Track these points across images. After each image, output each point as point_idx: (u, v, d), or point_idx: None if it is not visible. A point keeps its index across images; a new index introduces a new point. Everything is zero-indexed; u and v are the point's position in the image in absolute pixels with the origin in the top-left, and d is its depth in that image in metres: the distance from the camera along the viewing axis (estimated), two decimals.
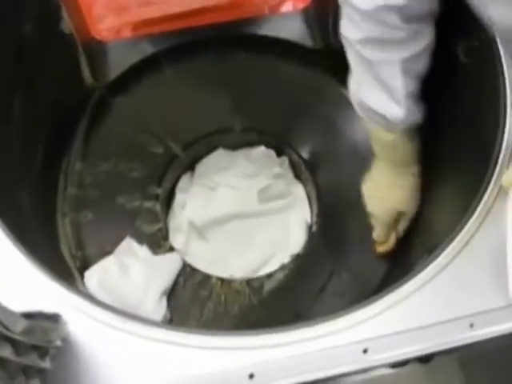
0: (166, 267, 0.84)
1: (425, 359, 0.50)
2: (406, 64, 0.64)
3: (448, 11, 0.63)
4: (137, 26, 1.01)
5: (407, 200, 0.78)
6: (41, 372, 0.40)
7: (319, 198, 0.93)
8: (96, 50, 0.91)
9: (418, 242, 0.78)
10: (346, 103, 0.92)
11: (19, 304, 0.43)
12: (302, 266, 0.87)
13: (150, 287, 0.78)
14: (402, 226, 0.81)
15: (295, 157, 0.97)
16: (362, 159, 0.83)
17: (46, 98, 0.77)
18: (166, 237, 0.89)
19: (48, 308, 0.45)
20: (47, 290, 0.48)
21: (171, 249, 0.88)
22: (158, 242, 0.87)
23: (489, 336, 0.48)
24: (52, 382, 0.42)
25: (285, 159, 0.99)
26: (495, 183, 0.54)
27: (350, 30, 0.65)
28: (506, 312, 0.49)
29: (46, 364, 0.40)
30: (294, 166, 0.99)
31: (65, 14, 0.76)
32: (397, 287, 0.50)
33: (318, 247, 0.89)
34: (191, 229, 0.94)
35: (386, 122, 0.70)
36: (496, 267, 0.50)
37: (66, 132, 0.86)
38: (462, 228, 0.52)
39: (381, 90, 0.67)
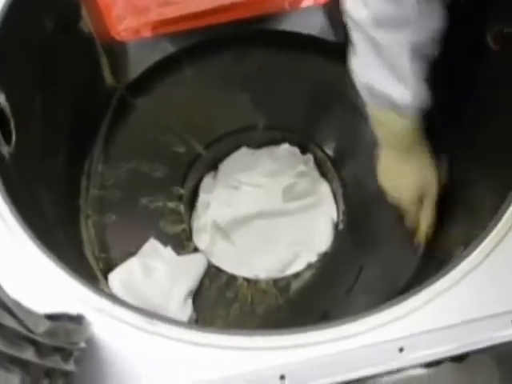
0: (190, 268, 0.83)
1: (459, 358, 0.48)
2: (414, 47, 0.63)
3: None
4: (156, 25, 1.00)
5: (423, 181, 0.76)
6: (65, 375, 0.39)
7: (345, 196, 0.91)
8: (116, 50, 0.91)
9: (456, 230, 0.75)
10: None
11: (42, 305, 0.42)
12: (329, 264, 0.85)
13: (175, 288, 0.77)
14: (429, 208, 0.78)
15: (320, 154, 0.95)
16: None
17: (67, 97, 0.76)
18: (189, 237, 0.88)
19: (71, 309, 0.44)
20: (70, 291, 0.47)
21: (195, 249, 0.87)
22: (182, 243, 0.86)
23: None
24: None
25: (310, 157, 0.97)
26: None
27: (357, 9, 0.63)
28: None
29: (70, 367, 0.39)
30: (319, 164, 0.97)
31: (84, 13, 0.75)
32: (430, 283, 0.48)
33: (345, 245, 0.87)
34: (215, 229, 0.93)
35: (393, 105, 0.68)
36: None
37: (87, 133, 0.85)
38: (498, 221, 0.50)
39: (388, 71, 0.65)
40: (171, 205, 0.88)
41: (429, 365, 0.47)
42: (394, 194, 0.78)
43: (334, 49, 0.94)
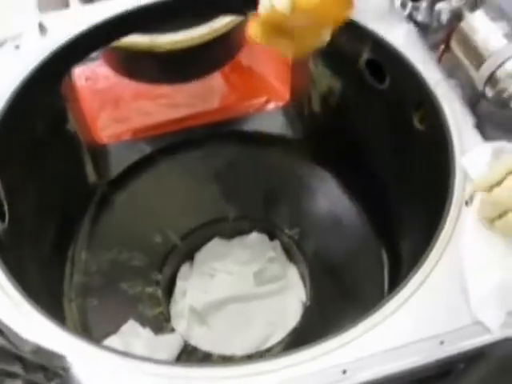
0: (167, 346, 0.88)
1: None
2: None
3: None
4: (135, 131, 1.12)
5: None
6: None
7: (311, 276, 0.98)
8: (98, 150, 1.01)
9: None
10: (325, 184, 1.02)
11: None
12: (298, 338, 0.91)
13: None
14: None
15: (286, 239, 1.03)
16: (345, 230, 0.92)
17: (55, 189, 0.85)
18: (167, 319, 0.94)
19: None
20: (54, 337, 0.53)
21: (173, 331, 0.92)
22: (160, 325, 0.91)
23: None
24: None
25: (277, 243, 1.06)
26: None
27: None
28: (473, 328, 0.54)
29: None
30: (286, 249, 1.05)
31: (70, 116, 0.86)
32: (369, 315, 0.55)
33: (313, 319, 0.93)
34: (192, 314, 0.99)
35: None
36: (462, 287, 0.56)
37: (72, 223, 0.93)
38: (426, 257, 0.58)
39: None
40: (149, 290, 0.94)
41: None
42: None
43: (293, 144, 1.07)
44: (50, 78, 0.78)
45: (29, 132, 0.77)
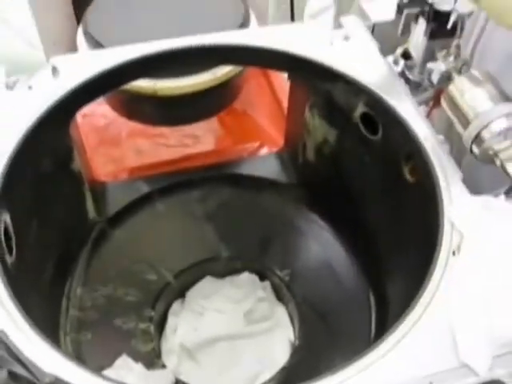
0: (160, 381, 0.90)
1: None
2: None
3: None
4: (132, 171, 1.15)
5: None
6: None
7: (300, 316, 1.01)
8: (99, 188, 1.04)
9: None
10: (316, 229, 1.06)
11: None
12: (287, 377, 0.93)
13: None
14: None
15: (277, 280, 1.07)
16: (335, 273, 0.96)
17: (57, 225, 0.88)
18: (159, 355, 0.96)
19: None
20: None
21: (164, 366, 0.94)
22: (152, 360, 0.93)
23: None
24: None
25: (267, 284, 1.09)
26: None
27: None
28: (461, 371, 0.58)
29: None
30: (276, 289, 1.08)
31: (76, 156, 0.90)
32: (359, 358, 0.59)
33: (302, 358, 0.95)
34: (182, 351, 1.01)
35: None
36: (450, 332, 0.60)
37: (70, 258, 0.95)
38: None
39: None
40: (142, 326, 0.97)
41: None
42: None
43: (285, 189, 1.11)
44: (60, 118, 0.82)
45: (37, 169, 0.81)
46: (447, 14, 0.82)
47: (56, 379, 0.46)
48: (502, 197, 0.70)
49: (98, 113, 1.27)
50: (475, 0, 0.70)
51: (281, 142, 1.18)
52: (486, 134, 0.71)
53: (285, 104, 1.18)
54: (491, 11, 0.72)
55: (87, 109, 1.28)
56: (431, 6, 0.83)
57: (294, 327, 1.04)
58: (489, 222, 0.66)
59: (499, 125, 0.71)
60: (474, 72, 0.76)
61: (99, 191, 1.04)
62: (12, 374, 0.42)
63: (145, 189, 1.08)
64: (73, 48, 1.16)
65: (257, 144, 1.21)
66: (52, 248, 0.89)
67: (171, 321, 1.04)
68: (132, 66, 0.85)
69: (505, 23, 0.70)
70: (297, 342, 0.99)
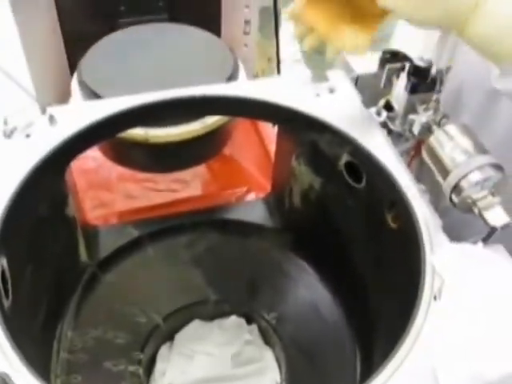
0: None
1: None
2: None
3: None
4: (121, 215, 1.18)
5: None
6: None
7: (287, 359, 1.03)
8: (90, 233, 1.07)
9: None
10: (303, 273, 1.09)
11: None
12: None
13: None
14: None
15: (264, 323, 1.09)
16: (321, 317, 0.99)
17: (50, 269, 0.89)
18: None
19: None
20: None
21: None
22: None
23: None
24: None
25: (254, 327, 1.11)
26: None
27: None
28: None
29: None
30: (262, 333, 1.10)
31: (70, 201, 0.93)
32: None
33: None
34: None
35: None
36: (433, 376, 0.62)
37: (61, 301, 0.97)
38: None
39: None
40: (131, 368, 0.98)
41: None
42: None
43: (272, 233, 1.14)
44: (56, 165, 0.85)
45: (34, 215, 0.83)
46: (427, 70, 0.87)
47: None
48: (480, 244, 0.74)
49: (88, 156, 1.30)
50: (459, 32, 0.73)
51: (268, 187, 1.22)
52: (464, 184, 0.76)
53: (272, 151, 1.22)
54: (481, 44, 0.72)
55: (77, 156, 1.33)
56: (411, 61, 0.89)
57: (280, 370, 1.06)
58: (468, 269, 0.69)
59: (477, 175, 0.75)
60: (453, 125, 0.81)
61: (90, 235, 1.07)
62: None
63: (134, 233, 1.10)
64: (65, 92, 1.19)
65: (244, 189, 1.25)
66: (45, 291, 0.90)
67: (160, 364, 1.06)
68: (128, 116, 0.88)
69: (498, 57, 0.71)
70: None
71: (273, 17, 1.46)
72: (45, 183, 0.83)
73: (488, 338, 0.64)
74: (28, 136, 0.86)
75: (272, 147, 1.21)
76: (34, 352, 0.83)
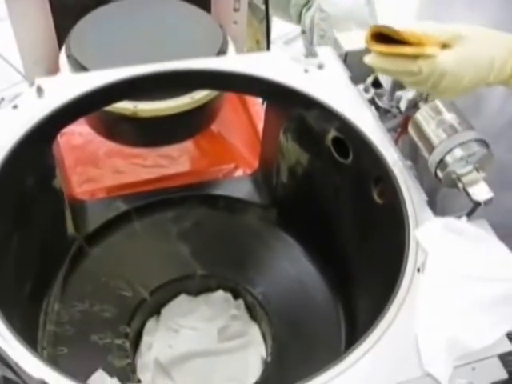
0: None
1: None
2: None
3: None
4: (109, 189, 1.18)
5: None
6: None
7: (273, 334, 1.04)
8: (78, 207, 1.07)
9: None
10: (289, 248, 1.10)
11: None
12: None
13: None
14: None
15: (250, 299, 1.10)
16: (306, 291, 1.00)
17: (37, 241, 0.90)
18: (134, 371, 0.97)
19: None
20: None
21: (139, 381, 0.96)
22: (128, 376, 0.95)
23: None
24: None
25: (241, 302, 1.11)
26: None
27: None
28: (424, 380, 0.61)
29: None
30: (249, 308, 1.11)
31: (58, 173, 0.92)
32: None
33: (273, 375, 0.98)
34: (157, 367, 1.03)
35: None
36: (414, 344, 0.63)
37: (47, 274, 0.97)
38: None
39: None
40: (118, 341, 0.98)
41: None
42: None
43: (259, 209, 1.14)
44: (44, 136, 0.85)
45: (19, 187, 0.83)
46: None
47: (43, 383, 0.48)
48: (464, 218, 0.75)
49: (75, 132, 1.30)
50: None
51: (255, 164, 1.22)
52: (449, 159, 0.76)
53: (259, 127, 1.22)
54: None
55: (65, 128, 1.32)
56: None
57: (266, 344, 1.07)
58: (451, 242, 0.70)
59: (461, 151, 0.76)
60: (439, 101, 0.81)
61: (78, 209, 1.07)
62: (6, 379, 0.44)
63: (122, 207, 1.10)
64: (54, 68, 1.19)
65: (232, 166, 1.25)
66: (32, 264, 0.90)
67: (146, 337, 1.06)
68: (115, 88, 0.88)
69: None
70: (269, 359, 1.01)
71: None
72: (32, 154, 0.83)
73: (468, 310, 0.65)
74: (15, 107, 0.85)
75: (260, 125, 1.21)
76: (20, 324, 0.84)
